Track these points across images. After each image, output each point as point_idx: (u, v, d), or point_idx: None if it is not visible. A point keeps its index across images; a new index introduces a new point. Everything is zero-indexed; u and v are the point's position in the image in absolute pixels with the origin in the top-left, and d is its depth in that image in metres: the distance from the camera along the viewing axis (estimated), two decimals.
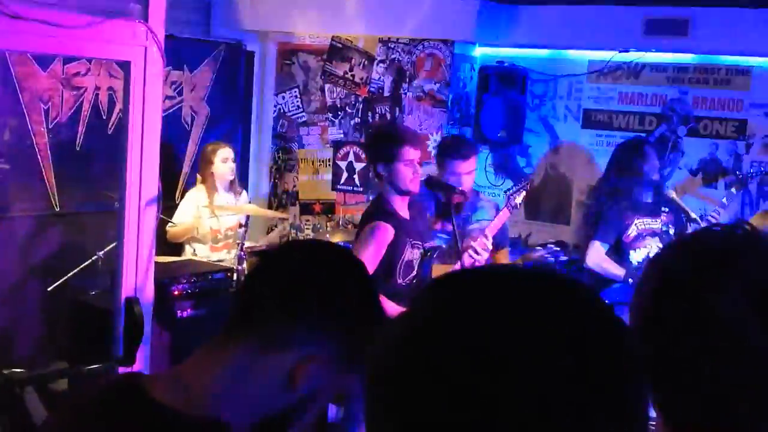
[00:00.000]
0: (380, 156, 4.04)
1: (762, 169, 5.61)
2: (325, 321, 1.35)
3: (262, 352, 1.33)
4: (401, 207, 4.08)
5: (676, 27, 5.73)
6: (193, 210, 5.72)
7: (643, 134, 6.01)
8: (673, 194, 4.65)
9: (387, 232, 3.94)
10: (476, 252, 4.19)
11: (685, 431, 1.09)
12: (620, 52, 6.03)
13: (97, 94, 5.78)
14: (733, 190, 5.05)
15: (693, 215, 4.44)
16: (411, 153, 4.03)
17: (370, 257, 3.90)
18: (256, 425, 1.34)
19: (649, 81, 6.09)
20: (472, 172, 4.57)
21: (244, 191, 6.18)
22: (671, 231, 4.94)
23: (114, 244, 4.15)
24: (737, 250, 1.11)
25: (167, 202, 5.92)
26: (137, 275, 3.90)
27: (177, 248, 5.80)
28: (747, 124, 5.82)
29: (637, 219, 5.07)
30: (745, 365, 1.04)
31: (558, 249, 4.95)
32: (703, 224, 4.73)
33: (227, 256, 5.70)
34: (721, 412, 1.06)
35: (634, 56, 6.03)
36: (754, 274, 1.07)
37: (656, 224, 5.02)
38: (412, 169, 4.04)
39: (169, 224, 5.66)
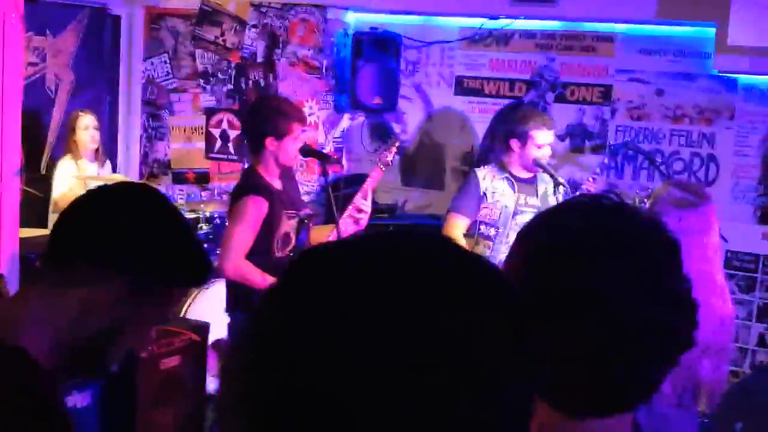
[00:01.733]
0: (270, 130, 3.96)
1: (628, 138, 5.84)
2: (114, 254, 1.45)
3: (60, 286, 1.43)
4: (274, 178, 4.04)
5: None
6: (69, 180, 5.58)
7: (514, 100, 6.14)
8: (540, 159, 4.74)
9: (261, 207, 3.88)
10: (357, 211, 4.18)
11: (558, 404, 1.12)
12: (490, 19, 6.13)
13: None
14: (605, 160, 5.20)
15: (561, 180, 4.54)
16: (299, 129, 4.00)
17: (245, 233, 3.85)
18: (70, 354, 1.44)
19: (518, 48, 6.22)
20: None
21: (108, 161, 6.02)
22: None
23: None
24: (605, 224, 1.13)
25: (33, 174, 5.71)
26: (1, 250, 3.76)
27: (42, 219, 5.60)
28: (612, 89, 6.02)
29: None
30: (616, 336, 1.06)
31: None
32: (578, 193, 4.83)
33: None
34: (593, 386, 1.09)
35: (503, 23, 6.13)
36: (619, 241, 1.09)
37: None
38: (297, 144, 4.01)
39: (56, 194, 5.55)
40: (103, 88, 6.56)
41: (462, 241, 4.38)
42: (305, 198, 5.55)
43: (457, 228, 4.49)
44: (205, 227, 5.54)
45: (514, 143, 4.48)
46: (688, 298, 1.11)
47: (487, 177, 4.53)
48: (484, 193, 4.51)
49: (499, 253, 4.46)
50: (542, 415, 1.12)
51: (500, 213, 4.49)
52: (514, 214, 4.49)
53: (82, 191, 5.46)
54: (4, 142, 3.68)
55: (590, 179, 4.95)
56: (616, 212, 1.15)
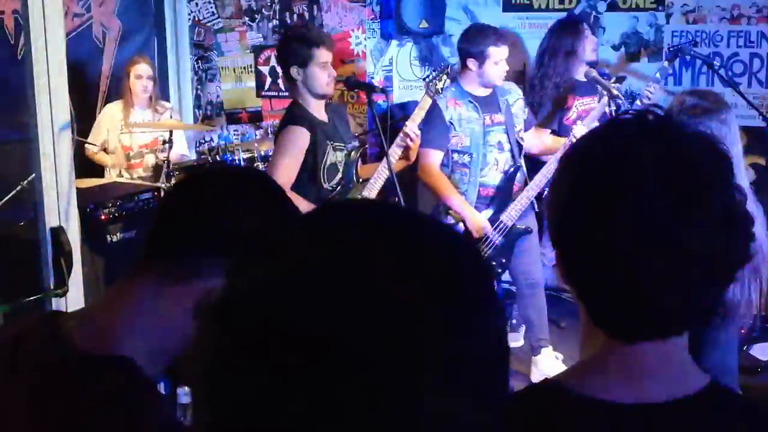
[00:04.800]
0: (293, 59, 3.95)
1: (686, 40, 5.63)
2: (230, 248, 1.31)
3: (166, 285, 1.29)
4: (318, 110, 4.02)
5: None
6: (108, 124, 5.62)
7: (564, 12, 5.97)
8: (594, 73, 4.62)
9: (301, 137, 3.89)
10: (406, 138, 4.15)
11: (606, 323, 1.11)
12: None
13: (1, 19, 5.53)
14: (666, 64, 5.00)
15: (615, 93, 4.42)
16: (325, 55, 3.96)
17: (287, 164, 3.86)
18: (172, 362, 1.31)
19: None
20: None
21: (171, 109, 5.99)
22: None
23: None
24: (645, 141, 1.09)
25: (85, 124, 5.78)
26: (59, 203, 3.82)
27: (99, 169, 5.69)
28: None
29: (577, 100, 5.05)
30: (662, 259, 1.04)
31: None
32: (637, 102, 4.70)
33: (144, 174, 5.61)
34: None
35: None
36: (665, 168, 1.06)
37: (594, 103, 4.96)
38: (327, 71, 3.97)
39: (90, 147, 5.56)
40: (150, 34, 6.57)
41: (441, 175, 4.47)
42: (357, 130, 5.53)
43: (433, 163, 4.46)
44: (261, 166, 5.56)
45: (471, 62, 4.44)
46: (742, 211, 1.07)
47: (449, 106, 4.46)
48: (451, 122, 4.45)
49: (477, 177, 4.49)
50: (598, 341, 1.12)
51: (469, 138, 4.46)
52: (483, 135, 4.48)
53: (116, 137, 5.54)
54: (52, 96, 3.72)
55: (648, 90, 4.76)
56: (660, 130, 1.10)
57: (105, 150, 5.69)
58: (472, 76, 4.47)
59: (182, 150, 5.86)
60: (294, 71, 3.95)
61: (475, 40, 4.45)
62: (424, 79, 4.40)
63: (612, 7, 5.96)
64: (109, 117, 5.70)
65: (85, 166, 5.54)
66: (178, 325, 1.27)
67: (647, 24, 5.88)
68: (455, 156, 4.50)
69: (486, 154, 4.48)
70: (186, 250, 1.30)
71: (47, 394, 1.26)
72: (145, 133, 5.67)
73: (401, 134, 4.15)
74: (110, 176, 5.63)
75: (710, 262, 1.05)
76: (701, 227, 1.03)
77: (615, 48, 5.96)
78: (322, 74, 3.95)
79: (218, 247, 1.27)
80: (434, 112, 4.40)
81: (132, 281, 1.33)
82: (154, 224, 1.36)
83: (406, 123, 4.17)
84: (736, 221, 1.07)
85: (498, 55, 4.41)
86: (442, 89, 4.32)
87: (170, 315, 1.28)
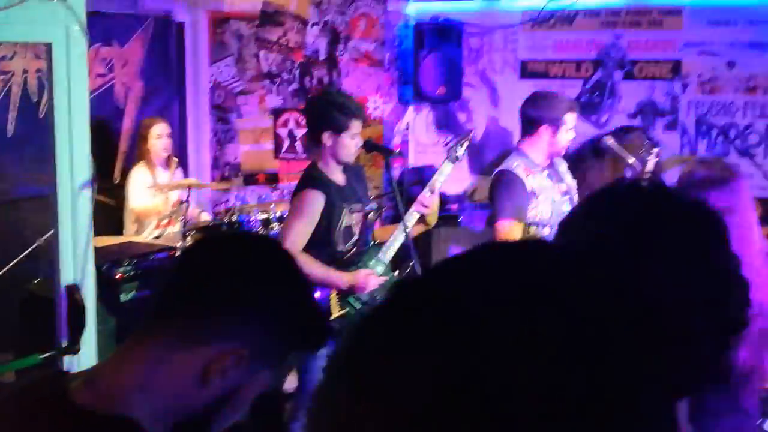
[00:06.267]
0: (327, 125, 3.97)
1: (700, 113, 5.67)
2: (241, 314, 1.31)
3: (176, 348, 1.28)
4: (336, 173, 4.05)
5: None
6: (143, 190, 5.67)
7: (581, 80, 6.02)
8: (610, 141, 4.64)
9: (317, 200, 3.90)
10: (422, 206, 4.15)
11: None
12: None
13: (26, 78, 5.63)
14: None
15: (631, 161, 4.44)
16: (358, 126, 4.00)
17: (302, 226, 3.88)
18: (175, 426, 1.30)
19: (583, 27, 6.09)
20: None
21: (180, 168, 6.07)
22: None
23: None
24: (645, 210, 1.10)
25: (105, 183, 5.83)
26: (76, 261, 3.83)
27: (117, 228, 5.72)
28: (681, 64, 5.85)
29: None
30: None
31: None
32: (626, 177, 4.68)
33: (174, 231, 5.64)
34: None
35: (566, 3, 6.01)
36: (662, 235, 1.06)
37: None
38: (356, 141, 4.01)
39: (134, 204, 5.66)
40: (172, 95, 6.67)
41: None
42: (373, 193, 5.56)
43: (515, 236, 4.01)
44: (276, 227, 5.58)
45: (545, 129, 4.15)
46: (737, 276, 1.07)
47: (528, 174, 4.13)
48: (532, 192, 4.12)
49: None
50: None
51: (550, 209, 4.14)
52: (560, 206, 4.19)
53: (159, 200, 5.61)
54: (74, 154, 3.76)
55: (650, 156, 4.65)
56: (656, 197, 1.12)
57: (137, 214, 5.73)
58: (542, 144, 4.18)
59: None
60: (326, 136, 3.97)
61: (550, 106, 4.19)
62: (445, 145, 4.39)
63: (628, 76, 6.00)
64: (139, 182, 5.73)
65: (103, 223, 5.58)
66: (185, 391, 1.28)
67: (663, 93, 5.92)
68: (531, 229, 4.14)
69: None
70: (198, 314, 1.30)
71: None
72: (172, 192, 5.71)
73: (418, 202, 4.16)
74: (127, 234, 5.66)
75: (706, 320, 1.04)
76: (696, 284, 1.03)
77: (631, 116, 5.99)
78: (351, 144, 3.99)
79: (230, 313, 1.30)
80: (513, 180, 4.11)
81: (141, 342, 1.33)
82: (166, 285, 1.36)
83: (425, 190, 4.18)
84: (733, 283, 1.07)
85: (572, 122, 4.19)
86: (461, 156, 4.31)
87: (177, 380, 1.28)
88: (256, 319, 1.31)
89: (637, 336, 0.61)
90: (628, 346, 0.60)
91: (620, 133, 5.61)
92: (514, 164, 4.16)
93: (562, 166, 4.43)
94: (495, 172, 4.24)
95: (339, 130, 3.95)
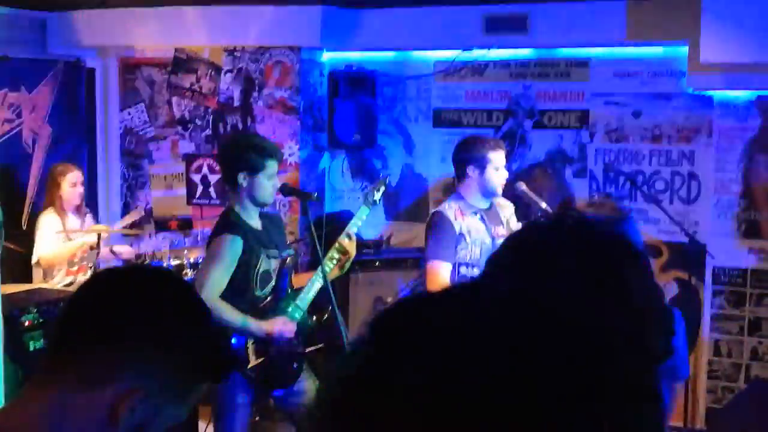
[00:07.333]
0: (242, 166, 3.95)
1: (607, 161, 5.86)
2: (142, 351, 1.27)
3: (79, 389, 1.24)
4: (252, 217, 4.02)
5: (515, 23, 5.89)
6: (53, 236, 5.52)
7: (492, 129, 6.15)
8: (523, 186, 4.74)
9: (234, 245, 3.86)
10: (341, 252, 4.16)
11: None
12: (463, 51, 6.16)
13: None
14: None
15: (544, 205, 4.55)
16: (275, 167, 3.99)
17: (219, 271, 3.83)
18: None
19: (493, 78, 6.24)
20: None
21: (89, 214, 5.98)
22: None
23: None
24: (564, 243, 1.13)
25: (13, 230, 5.66)
26: None
27: (24, 275, 5.55)
28: (589, 113, 6.04)
29: None
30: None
31: None
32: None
33: (83, 279, 5.51)
34: None
35: (477, 54, 6.16)
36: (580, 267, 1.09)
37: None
38: (273, 182, 3.99)
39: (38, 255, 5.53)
40: (81, 141, 6.56)
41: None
42: (290, 238, 5.53)
43: (443, 276, 4.16)
44: (189, 273, 5.50)
45: (471, 170, 4.28)
46: (658, 307, 1.10)
47: (458, 217, 4.25)
48: (461, 234, 4.23)
49: None
50: None
51: (480, 251, 4.25)
52: (492, 248, 4.24)
53: (68, 246, 5.48)
54: None
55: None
56: (576, 230, 1.15)
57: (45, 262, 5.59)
58: (473, 185, 4.29)
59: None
60: (241, 177, 3.94)
61: (474, 148, 4.32)
62: (361, 189, 4.42)
63: (538, 125, 6.16)
64: (49, 229, 5.61)
65: (10, 270, 5.40)
66: None
67: (572, 142, 6.09)
68: (462, 269, 4.24)
69: None
70: (93, 352, 1.26)
71: None
72: (82, 239, 5.61)
73: (336, 244, 4.16)
74: (37, 281, 5.51)
75: (627, 353, 1.06)
76: (616, 316, 1.04)
77: (541, 165, 6.14)
78: (269, 185, 3.97)
79: (127, 350, 1.26)
80: (442, 222, 4.22)
81: (43, 387, 1.27)
82: (59, 323, 1.31)
83: (341, 236, 4.19)
84: (653, 314, 1.09)
85: (498, 161, 4.29)
86: (378, 200, 4.36)
87: (84, 422, 1.24)
88: (156, 355, 1.28)
89: (559, 374, 0.69)
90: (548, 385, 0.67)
91: (528, 171, 5.78)
92: (447, 206, 4.29)
93: (507, 210, 4.51)
94: (431, 213, 4.34)
95: (255, 170, 3.93)
